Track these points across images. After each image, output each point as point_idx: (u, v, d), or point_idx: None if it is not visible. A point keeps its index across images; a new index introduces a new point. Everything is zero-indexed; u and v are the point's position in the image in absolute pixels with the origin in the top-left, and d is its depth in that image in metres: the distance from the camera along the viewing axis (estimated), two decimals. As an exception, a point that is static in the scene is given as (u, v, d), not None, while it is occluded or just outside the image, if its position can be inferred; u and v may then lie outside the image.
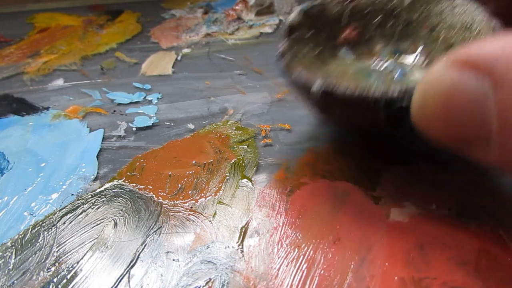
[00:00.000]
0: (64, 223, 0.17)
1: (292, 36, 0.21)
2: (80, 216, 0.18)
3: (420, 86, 0.13)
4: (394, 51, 0.23)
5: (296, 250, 0.16)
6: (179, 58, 0.33)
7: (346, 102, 0.16)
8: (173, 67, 0.31)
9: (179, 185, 0.19)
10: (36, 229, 0.17)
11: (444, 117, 0.12)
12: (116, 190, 0.19)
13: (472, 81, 0.11)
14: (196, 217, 0.18)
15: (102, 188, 0.19)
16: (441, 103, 0.12)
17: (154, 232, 0.17)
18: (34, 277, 0.15)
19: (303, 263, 0.15)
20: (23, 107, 0.26)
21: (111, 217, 0.18)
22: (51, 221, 0.17)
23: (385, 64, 0.23)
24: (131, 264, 0.16)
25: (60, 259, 0.16)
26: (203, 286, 0.15)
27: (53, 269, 0.15)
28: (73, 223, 0.17)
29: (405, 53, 0.23)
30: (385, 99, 0.15)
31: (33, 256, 0.16)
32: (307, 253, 0.16)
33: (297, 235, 0.17)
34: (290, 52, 0.21)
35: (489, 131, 0.11)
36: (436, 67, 0.12)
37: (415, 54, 0.22)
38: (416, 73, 0.22)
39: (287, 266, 0.15)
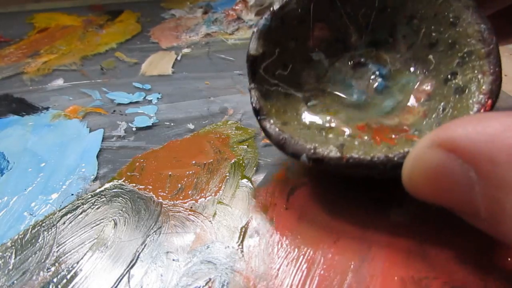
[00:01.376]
0: (64, 223, 0.17)
1: (260, 69, 0.20)
2: (80, 216, 0.18)
3: (409, 159, 0.13)
4: (371, 43, 0.21)
5: (296, 250, 0.16)
6: (179, 58, 0.33)
7: (336, 169, 0.16)
8: (173, 67, 0.31)
9: (179, 185, 0.19)
10: (36, 229, 0.17)
11: (432, 190, 0.13)
12: (116, 190, 0.19)
13: (458, 166, 0.11)
14: (196, 217, 0.18)
15: (102, 188, 0.19)
16: (429, 180, 0.12)
17: (154, 232, 0.17)
18: (34, 277, 0.15)
19: (303, 263, 0.15)
20: (23, 107, 0.26)
21: (111, 217, 0.18)
22: (51, 221, 0.17)
23: (364, 68, 0.21)
24: (131, 264, 0.16)
25: (60, 259, 0.16)
26: (203, 286, 0.15)
27: (53, 269, 0.15)
28: (73, 223, 0.17)
29: (382, 46, 0.21)
30: (376, 171, 0.15)
31: (33, 256, 0.16)
32: (307, 253, 0.16)
33: (297, 235, 0.17)
34: (263, 88, 0.19)
35: (477, 211, 0.11)
36: (423, 143, 0.12)
37: (395, 46, 0.20)
38: (400, 78, 0.20)
39: (287, 266, 0.15)
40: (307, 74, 0.21)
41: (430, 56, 0.19)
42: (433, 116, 0.18)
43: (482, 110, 0.15)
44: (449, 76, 0.18)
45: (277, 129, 0.17)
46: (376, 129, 0.18)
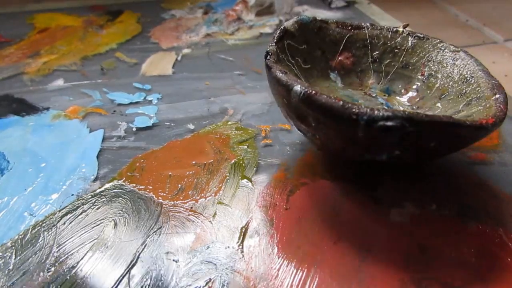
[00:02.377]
0: (64, 223, 0.17)
1: (286, 41, 0.21)
2: (80, 217, 0.18)
3: None
4: (385, 90, 0.23)
5: (296, 250, 0.16)
6: (179, 58, 0.33)
7: (326, 111, 0.15)
8: (173, 67, 0.31)
9: (179, 185, 0.19)
10: (36, 229, 0.17)
11: None
12: (116, 190, 0.19)
13: None
14: (196, 217, 0.18)
15: (102, 189, 0.19)
16: None
17: (154, 232, 0.17)
18: (34, 278, 0.15)
19: (303, 263, 0.16)
20: (23, 108, 0.26)
21: (111, 217, 0.18)
22: (51, 222, 0.17)
23: (373, 98, 0.22)
24: (131, 264, 0.16)
25: (60, 260, 0.16)
26: (203, 287, 0.15)
27: (53, 269, 0.15)
28: (73, 223, 0.17)
29: (395, 95, 0.23)
30: (369, 114, 0.14)
31: (33, 256, 0.16)
32: (307, 253, 0.16)
33: (297, 235, 0.17)
34: (280, 55, 0.20)
35: None
36: None
37: (406, 96, 0.22)
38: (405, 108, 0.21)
39: (287, 266, 0.15)
40: (321, 81, 0.23)
41: (439, 104, 0.21)
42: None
43: (484, 122, 0.15)
44: (454, 113, 0.19)
45: (281, 71, 0.17)
46: None
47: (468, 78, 0.20)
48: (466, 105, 0.19)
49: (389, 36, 0.23)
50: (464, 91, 0.20)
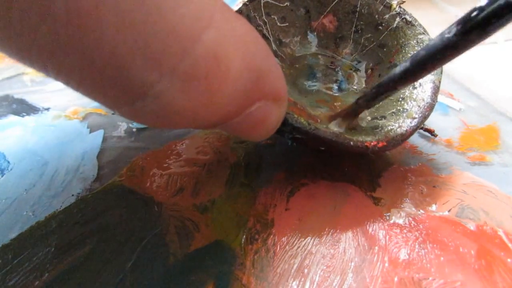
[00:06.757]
0: (65, 223, 0.17)
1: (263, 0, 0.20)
2: (80, 217, 0.18)
3: None
4: (356, 63, 0.22)
5: (296, 250, 0.16)
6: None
7: None
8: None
9: (179, 185, 0.19)
10: (37, 230, 0.17)
11: None
12: (116, 190, 0.19)
13: None
14: (196, 217, 0.18)
15: (102, 189, 0.19)
16: None
17: (154, 232, 0.17)
18: (35, 278, 0.15)
19: (303, 263, 0.16)
20: (24, 108, 0.26)
21: (111, 217, 0.18)
22: (52, 222, 0.17)
23: (334, 72, 0.22)
24: (131, 265, 0.16)
25: (60, 260, 0.16)
26: (203, 287, 0.15)
27: (53, 270, 0.15)
28: (73, 223, 0.17)
29: (361, 72, 0.22)
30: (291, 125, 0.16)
31: (33, 257, 0.16)
32: (307, 253, 0.16)
33: (297, 235, 0.17)
34: (252, 13, 0.20)
35: None
36: None
37: (367, 80, 0.22)
38: (348, 98, 0.21)
39: (287, 267, 0.15)
40: (294, 42, 0.22)
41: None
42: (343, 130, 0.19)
43: (369, 145, 0.17)
44: (378, 117, 0.19)
45: None
46: (298, 108, 0.19)
47: (416, 86, 0.19)
48: (391, 114, 0.19)
49: (380, 9, 0.22)
50: (404, 97, 0.19)
